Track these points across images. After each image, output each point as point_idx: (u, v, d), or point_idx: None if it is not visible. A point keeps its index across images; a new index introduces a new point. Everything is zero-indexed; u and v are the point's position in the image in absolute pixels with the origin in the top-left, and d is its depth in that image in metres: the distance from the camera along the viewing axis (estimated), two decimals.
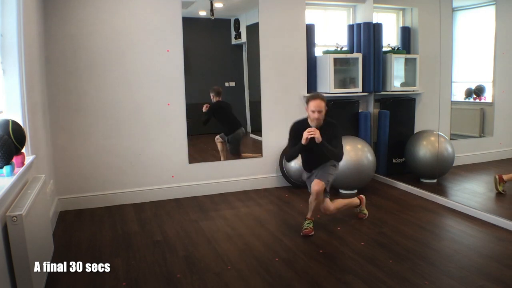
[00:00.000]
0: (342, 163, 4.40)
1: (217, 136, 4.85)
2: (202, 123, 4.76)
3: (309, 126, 3.43)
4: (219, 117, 4.88)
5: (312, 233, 3.46)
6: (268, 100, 4.86)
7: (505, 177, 4.15)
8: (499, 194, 4.17)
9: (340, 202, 3.69)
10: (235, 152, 4.89)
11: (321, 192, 3.40)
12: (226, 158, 4.83)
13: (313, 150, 3.43)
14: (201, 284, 2.71)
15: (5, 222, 2.08)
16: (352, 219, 3.82)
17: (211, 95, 4.73)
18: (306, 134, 3.32)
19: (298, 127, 3.50)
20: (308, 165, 3.62)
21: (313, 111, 3.37)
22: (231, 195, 4.65)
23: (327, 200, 3.54)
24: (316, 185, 3.39)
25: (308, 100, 3.43)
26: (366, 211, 3.85)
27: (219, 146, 4.84)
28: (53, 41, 4.03)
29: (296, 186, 4.85)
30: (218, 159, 4.83)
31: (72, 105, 4.17)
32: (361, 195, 3.89)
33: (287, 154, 3.63)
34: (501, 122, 4.64)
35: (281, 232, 3.56)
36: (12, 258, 2.10)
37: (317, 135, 3.29)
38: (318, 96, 3.40)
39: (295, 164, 4.78)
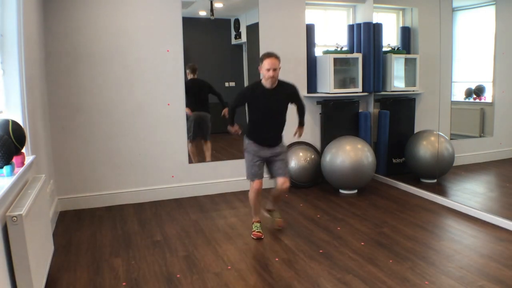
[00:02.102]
0: (342, 163, 4.43)
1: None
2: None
3: (263, 87, 3.33)
4: (191, 95, 4.61)
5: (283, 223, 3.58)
6: None
7: None
8: (502, 194, 4.16)
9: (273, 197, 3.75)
10: (189, 134, 4.59)
11: (288, 189, 3.45)
12: (198, 161, 4.71)
13: (272, 116, 3.39)
14: (201, 284, 2.71)
15: (5, 222, 2.08)
16: (352, 219, 3.82)
17: (187, 71, 4.57)
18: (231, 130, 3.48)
19: (253, 88, 3.41)
20: (261, 136, 3.41)
21: (268, 69, 3.23)
22: (231, 195, 4.65)
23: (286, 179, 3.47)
24: (285, 182, 3.39)
25: (262, 58, 3.30)
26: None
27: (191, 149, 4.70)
28: (53, 41, 4.03)
29: (296, 186, 4.85)
30: (218, 159, 4.83)
31: (72, 105, 4.17)
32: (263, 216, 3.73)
33: (229, 111, 3.54)
34: (501, 122, 4.64)
35: (281, 232, 3.56)
36: (12, 258, 2.10)
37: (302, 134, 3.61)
38: (272, 54, 3.28)
39: (295, 164, 4.78)
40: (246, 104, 3.47)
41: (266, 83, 3.32)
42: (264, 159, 3.46)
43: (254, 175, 3.43)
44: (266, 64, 3.25)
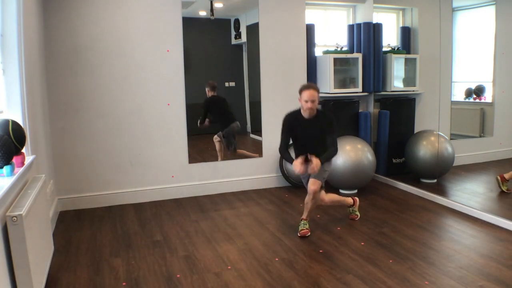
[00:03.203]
0: (342, 163, 4.42)
1: (215, 136, 4.85)
2: (198, 123, 4.72)
3: (302, 117, 3.42)
4: (214, 112, 4.84)
5: (309, 233, 3.46)
6: (268, 100, 4.86)
7: (506, 175, 4.16)
8: (502, 194, 4.17)
9: (334, 197, 3.73)
10: (230, 147, 4.87)
11: (318, 192, 3.41)
12: (224, 158, 4.83)
13: (307, 143, 3.45)
14: (201, 284, 2.71)
15: (5, 222, 2.08)
16: (352, 219, 3.82)
17: (207, 89, 4.72)
18: (301, 168, 3.34)
19: (292, 118, 3.50)
20: (302, 152, 3.50)
21: (306, 101, 3.34)
22: (231, 195, 4.65)
23: (323, 191, 3.55)
24: (312, 184, 3.39)
25: (301, 90, 3.41)
26: (358, 213, 3.85)
27: (217, 145, 4.84)
28: (53, 41, 4.04)
29: (296, 186, 4.85)
30: (217, 159, 4.83)
31: (72, 105, 4.17)
32: (355, 197, 3.89)
33: (280, 152, 3.56)
34: (501, 122, 4.64)
35: (281, 232, 3.56)
36: (12, 258, 2.10)
37: (316, 168, 3.28)
38: (311, 86, 3.39)
39: None
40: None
41: (305, 114, 3.42)
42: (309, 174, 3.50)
43: (305, 185, 3.56)
44: (305, 95, 3.36)
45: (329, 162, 3.55)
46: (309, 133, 3.43)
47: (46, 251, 2.72)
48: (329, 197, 3.63)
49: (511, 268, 2.79)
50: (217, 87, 4.76)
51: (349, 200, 3.83)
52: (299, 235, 3.45)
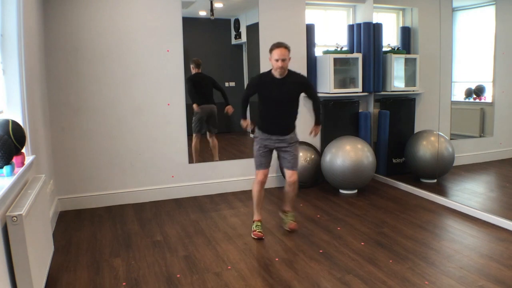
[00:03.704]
0: (342, 163, 4.43)
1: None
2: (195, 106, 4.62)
3: (273, 77, 3.31)
4: (196, 89, 4.64)
5: (296, 226, 3.48)
6: None
7: None
8: (502, 194, 4.16)
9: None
10: (208, 128, 4.65)
11: (297, 181, 3.39)
12: (199, 161, 4.72)
13: (281, 105, 3.33)
14: (201, 284, 2.71)
15: (5, 222, 2.08)
16: (352, 219, 3.83)
17: (191, 66, 4.59)
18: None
19: (261, 77, 3.40)
20: (271, 126, 3.39)
21: (277, 60, 3.22)
22: (231, 195, 4.65)
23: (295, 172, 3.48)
24: (292, 176, 3.36)
25: (271, 49, 3.28)
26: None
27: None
28: (53, 41, 4.03)
29: None
30: (218, 158, 4.83)
31: (72, 105, 4.17)
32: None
33: (242, 102, 3.47)
34: (501, 122, 4.64)
35: (281, 232, 3.56)
36: (12, 258, 2.10)
37: (318, 131, 3.52)
38: (281, 44, 3.26)
39: None
40: (257, 94, 3.42)
41: (275, 73, 3.30)
42: (271, 149, 3.44)
43: (257, 164, 3.42)
44: (275, 54, 3.23)
45: (295, 133, 3.49)
46: (280, 94, 3.29)
47: (46, 251, 2.72)
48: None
49: (511, 268, 2.79)
50: (201, 64, 4.60)
51: (258, 212, 3.58)
52: (288, 229, 3.49)
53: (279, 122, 3.39)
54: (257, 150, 3.44)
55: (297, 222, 3.68)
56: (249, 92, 3.47)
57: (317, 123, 3.63)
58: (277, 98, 3.32)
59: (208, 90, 4.78)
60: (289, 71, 3.34)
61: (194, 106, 4.56)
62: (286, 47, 3.25)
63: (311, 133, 3.67)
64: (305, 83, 3.46)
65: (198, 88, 4.66)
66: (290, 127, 3.43)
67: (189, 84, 4.57)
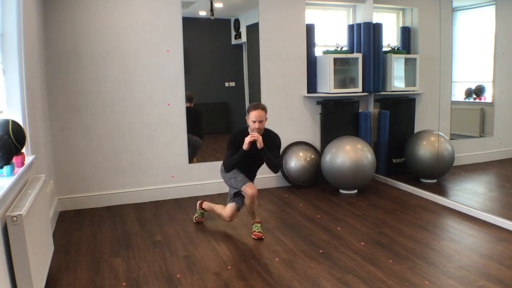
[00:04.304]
0: (342, 163, 4.42)
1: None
2: None
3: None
4: (190, 122, 4.68)
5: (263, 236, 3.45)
6: (268, 100, 4.86)
7: None
8: (502, 194, 4.16)
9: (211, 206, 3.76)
10: (190, 157, 4.73)
11: (256, 195, 3.38)
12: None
13: (253, 159, 3.44)
14: (201, 284, 2.71)
15: (5, 222, 2.08)
16: (352, 219, 3.83)
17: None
18: (248, 138, 3.31)
19: (238, 136, 3.43)
20: (245, 174, 3.52)
21: (254, 121, 3.31)
22: None
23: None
24: (252, 188, 3.36)
25: (249, 110, 3.38)
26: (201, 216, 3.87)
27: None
28: (53, 41, 4.04)
29: (296, 186, 4.85)
30: (218, 159, 4.82)
31: (72, 105, 4.17)
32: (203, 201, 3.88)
33: (226, 163, 3.46)
34: (501, 122, 4.64)
35: (281, 232, 3.56)
36: (12, 258, 2.10)
37: (259, 139, 3.30)
38: (258, 106, 3.35)
39: (295, 164, 4.78)
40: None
41: (252, 133, 3.36)
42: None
43: (241, 182, 3.42)
44: (252, 116, 3.33)
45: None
46: (255, 152, 3.37)
47: (46, 251, 2.72)
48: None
49: (511, 268, 2.79)
50: (193, 98, 4.67)
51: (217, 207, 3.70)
52: (253, 237, 3.43)
53: (249, 174, 3.55)
54: (233, 174, 3.48)
55: (297, 222, 3.68)
56: (233, 151, 3.46)
57: (262, 148, 3.38)
58: (251, 156, 3.41)
59: (198, 124, 4.84)
60: (266, 130, 3.46)
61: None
62: (263, 108, 3.38)
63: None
64: (275, 144, 3.50)
65: (191, 122, 4.68)
66: (255, 175, 3.64)
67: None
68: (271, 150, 3.42)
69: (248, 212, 3.56)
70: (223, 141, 4.95)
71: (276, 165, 3.46)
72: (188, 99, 4.64)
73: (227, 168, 3.48)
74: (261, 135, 3.37)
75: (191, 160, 4.72)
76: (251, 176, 3.59)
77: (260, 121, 3.33)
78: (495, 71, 4.57)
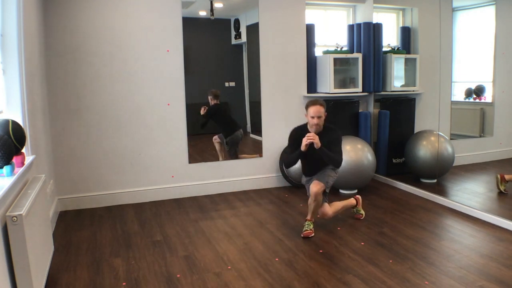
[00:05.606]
0: (342, 163, 4.41)
1: (215, 136, 4.84)
2: (200, 126, 4.76)
3: (309, 132, 3.41)
4: (217, 120, 4.87)
5: (313, 234, 3.45)
6: (268, 100, 4.87)
7: (507, 176, 4.15)
8: (500, 194, 4.17)
9: (337, 205, 3.68)
10: (233, 154, 4.88)
11: (320, 193, 3.39)
12: (225, 158, 4.83)
13: (313, 156, 3.43)
14: (201, 284, 2.71)
15: (5, 222, 2.08)
16: (352, 219, 3.83)
17: (209, 98, 4.72)
18: (305, 141, 3.33)
19: (298, 133, 3.49)
20: (308, 170, 3.62)
21: (313, 117, 3.38)
22: (231, 195, 4.65)
23: (326, 204, 3.53)
24: (314, 186, 3.38)
25: (307, 106, 3.43)
26: (363, 212, 3.85)
27: (217, 146, 4.84)
28: (53, 41, 4.04)
29: (296, 186, 4.85)
30: (217, 159, 4.83)
31: (72, 105, 4.17)
32: (357, 196, 3.89)
33: (286, 161, 3.57)
34: (501, 122, 4.64)
35: (281, 232, 3.56)
36: (12, 258, 2.10)
37: (316, 140, 3.30)
38: (317, 102, 3.41)
39: (295, 164, 4.78)
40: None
41: (311, 129, 3.43)
42: None
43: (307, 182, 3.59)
44: (311, 112, 3.38)
45: (334, 171, 3.55)
46: (315, 149, 3.37)
47: (46, 251, 2.72)
48: (332, 209, 3.58)
49: (511, 268, 2.79)
50: (220, 95, 4.75)
51: (352, 201, 3.82)
52: (302, 235, 3.44)
53: (316, 168, 3.54)
54: (306, 183, 3.62)
55: (297, 222, 3.68)
56: (292, 148, 3.55)
57: (320, 148, 3.36)
58: (313, 152, 3.40)
59: (230, 117, 4.99)
60: (324, 126, 3.46)
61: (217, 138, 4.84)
62: (321, 104, 3.40)
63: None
64: (335, 139, 3.48)
65: (220, 119, 4.87)
66: (323, 166, 3.53)
67: (208, 117, 4.74)
68: (331, 146, 3.41)
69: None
70: None
71: (337, 162, 3.47)
72: (214, 96, 4.70)
73: (286, 166, 3.59)
74: (320, 131, 3.40)
75: (236, 157, 4.83)
76: (316, 170, 3.53)
77: (319, 117, 3.36)
78: (495, 71, 4.57)
